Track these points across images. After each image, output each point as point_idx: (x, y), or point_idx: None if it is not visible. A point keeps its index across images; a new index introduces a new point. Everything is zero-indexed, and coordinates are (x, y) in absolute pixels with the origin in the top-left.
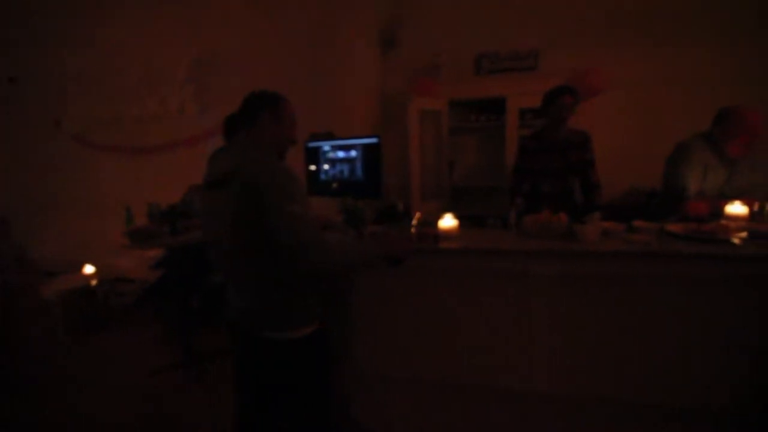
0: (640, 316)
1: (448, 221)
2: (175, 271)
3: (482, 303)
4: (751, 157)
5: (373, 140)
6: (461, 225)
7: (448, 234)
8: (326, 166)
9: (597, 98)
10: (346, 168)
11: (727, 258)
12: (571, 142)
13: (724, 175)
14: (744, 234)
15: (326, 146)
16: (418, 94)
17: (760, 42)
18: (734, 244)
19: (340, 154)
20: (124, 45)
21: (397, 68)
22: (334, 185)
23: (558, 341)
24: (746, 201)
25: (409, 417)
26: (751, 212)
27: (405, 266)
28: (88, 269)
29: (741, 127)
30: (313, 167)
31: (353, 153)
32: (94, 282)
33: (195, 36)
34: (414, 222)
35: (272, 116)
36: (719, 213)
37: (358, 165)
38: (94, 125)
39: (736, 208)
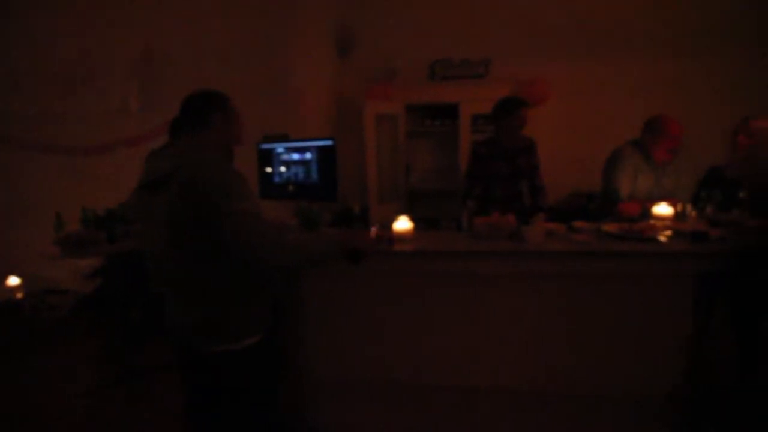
0: (582, 311)
1: (402, 223)
2: (113, 280)
3: (436, 304)
4: (675, 162)
5: (329, 142)
6: (416, 227)
7: (402, 236)
8: (281, 169)
9: (543, 106)
10: (300, 170)
11: (654, 255)
12: (519, 148)
13: (652, 179)
14: (669, 232)
15: (280, 148)
16: (373, 98)
17: (690, 58)
18: (660, 242)
19: (295, 156)
20: (57, 33)
21: (354, 72)
22: (289, 188)
23: (508, 338)
24: (671, 202)
25: (367, 421)
26: (676, 213)
27: (360, 269)
28: (13, 281)
29: (664, 135)
30: (266, 170)
31: (308, 155)
32: (19, 295)
33: (140, 27)
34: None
35: (224, 117)
36: (648, 213)
37: (314, 167)
38: (19, 122)
39: (663, 209)
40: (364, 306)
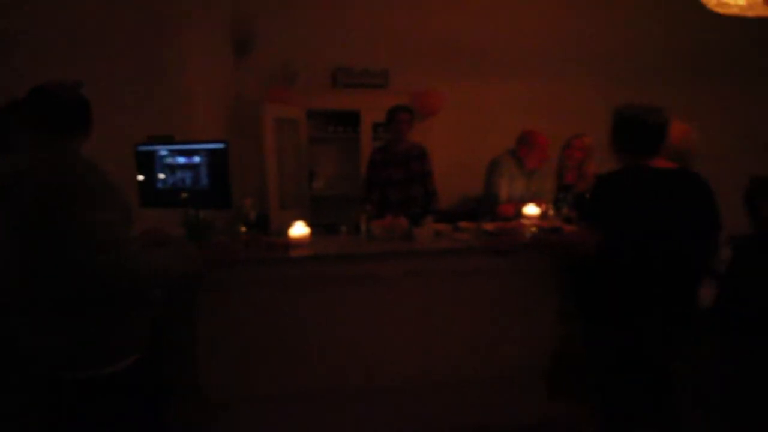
0: (467, 302)
1: (298, 229)
2: None
3: (335, 307)
4: (543, 169)
5: (220, 145)
6: (317, 233)
7: (299, 242)
8: (164, 174)
9: (436, 117)
10: (188, 175)
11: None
12: (412, 155)
13: (524, 184)
14: (534, 229)
15: (163, 151)
16: (273, 101)
17: (562, 80)
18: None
19: (181, 159)
20: None
21: (253, 74)
22: (183, 195)
23: (406, 334)
24: (538, 203)
25: None
26: (541, 212)
27: (255, 278)
28: None
29: (535, 146)
30: (146, 175)
31: (197, 159)
32: None
33: None
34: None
35: (89, 116)
36: (520, 213)
37: (203, 172)
38: None
39: (531, 209)
40: (260, 317)
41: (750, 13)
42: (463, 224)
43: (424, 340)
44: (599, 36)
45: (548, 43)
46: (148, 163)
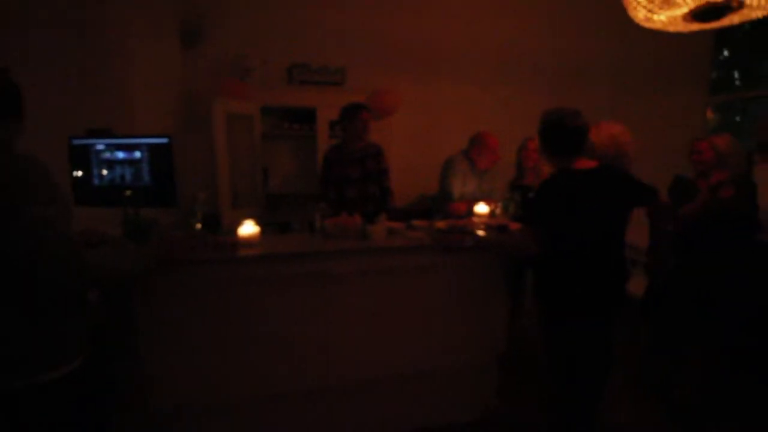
0: (420, 298)
1: (247, 228)
2: None
3: (288, 308)
4: (494, 169)
5: (163, 140)
6: (269, 232)
7: (248, 241)
8: (102, 170)
9: (394, 117)
10: (128, 172)
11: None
12: (367, 153)
13: (476, 183)
14: (482, 228)
15: (100, 145)
16: (225, 96)
17: (514, 83)
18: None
19: (120, 155)
20: None
21: (204, 67)
22: (118, 192)
23: (360, 332)
24: (488, 202)
25: None
26: (491, 211)
27: (202, 280)
28: None
29: (485, 147)
30: (81, 171)
31: (137, 154)
32: None
33: None
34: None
35: (19, 103)
36: (472, 212)
37: (145, 168)
38: None
39: (481, 208)
40: (208, 320)
41: (671, 29)
42: (416, 222)
43: (379, 337)
44: (548, 44)
45: (501, 49)
46: (84, 158)
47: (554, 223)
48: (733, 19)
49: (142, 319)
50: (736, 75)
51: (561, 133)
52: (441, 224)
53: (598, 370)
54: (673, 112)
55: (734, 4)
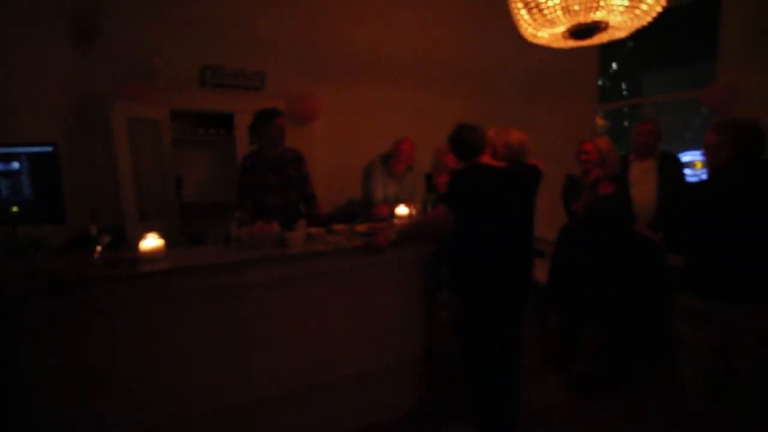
0: (340, 302)
1: (150, 242)
2: None
3: (202, 323)
4: (412, 172)
5: (47, 149)
6: (180, 244)
7: (151, 256)
8: None
9: (319, 121)
10: (5, 185)
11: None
12: (286, 159)
13: (397, 186)
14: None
15: None
16: (126, 99)
17: (434, 90)
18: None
19: None
20: None
21: (102, 66)
22: (12, 209)
23: (282, 342)
24: (409, 204)
25: None
26: (410, 212)
27: (100, 301)
28: None
29: (397, 153)
30: None
31: (16, 165)
32: None
33: None
34: (99, 247)
35: None
36: (393, 214)
37: (25, 180)
38: None
39: (401, 210)
40: (110, 345)
41: (554, 45)
42: (337, 227)
43: (302, 343)
44: (463, 54)
45: (422, 56)
46: None
47: (469, 205)
48: (602, 37)
49: (27, 348)
50: (624, 86)
51: (460, 142)
52: (361, 227)
53: (510, 353)
54: (567, 118)
55: (602, 25)
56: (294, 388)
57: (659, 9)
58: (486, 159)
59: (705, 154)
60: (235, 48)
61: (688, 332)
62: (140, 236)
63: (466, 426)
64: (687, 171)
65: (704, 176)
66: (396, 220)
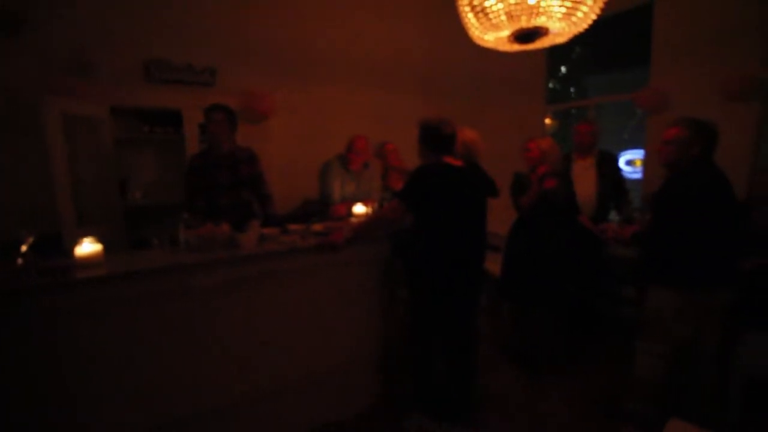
0: (299, 302)
1: (86, 247)
2: None
3: (143, 331)
4: (369, 170)
5: None
6: (125, 248)
7: (87, 262)
8: None
9: (277, 120)
10: None
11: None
12: (238, 158)
13: (355, 185)
14: None
15: None
16: (60, 95)
17: (392, 90)
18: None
19: None
20: None
21: (32, 59)
22: None
23: (233, 346)
24: (367, 202)
25: None
26: (367, 211)
27: (32, 312)
28: None
29: (353, 150)
30: None
31: None
32: None
33: None
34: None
35: None
36: (351, 213)
37: None
38: None
39: (359, 208)
40: (45, 357)
41: (500, 48)
42: (292, 226)
43: (256, 346)
44: (424, 55)
45: (380, 56)
46: None
47: (427, 201)
48: (544, 42)
49: None
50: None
51: (438, 136)
52: (318, 227)
53: (462, 344)
54: (518, 118)
55: (543, 30)
56: (247, 392)
57: (594, 17)
58: (449, 158)
59: (666, 148)
60: (183, 42)
61: (652, 314)
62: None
63: (421, 416)
64: (627, 168)
65: (640, 174)
66: (353, 219)
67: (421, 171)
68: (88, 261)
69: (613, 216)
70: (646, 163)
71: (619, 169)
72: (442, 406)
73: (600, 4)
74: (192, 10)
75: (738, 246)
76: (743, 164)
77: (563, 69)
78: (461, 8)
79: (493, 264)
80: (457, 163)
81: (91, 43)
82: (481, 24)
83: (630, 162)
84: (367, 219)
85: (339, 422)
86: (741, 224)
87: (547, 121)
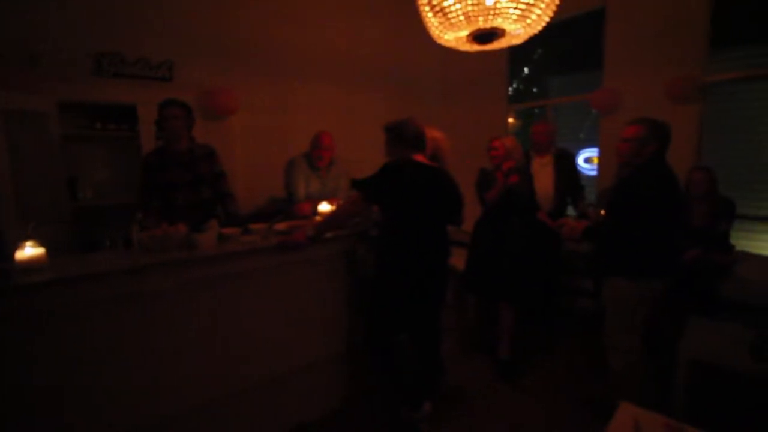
0: (261, 302)
1: (27, 251)
2: None
3: (92, 338)
4: (335, 168)
5: None
6: (75, 251)
7: (28, 266)
8: None
9: (240, 117)
10: None
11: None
12: (197, 155)
13: (320, 183)
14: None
15: None
16: (2, 88)
17: (357, 88)
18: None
19: None
20: None
21: None
22: None
23: (194, 349)
24: (332, 201)
25: None
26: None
27: None
28: None
29: (318, 146)
30: None
31: None
32: None
33: None
34: None
35: None
36: (317, 211)
37: None
38: None
39: (324, 207)
40: None
41: (460, 48)
42: (253, 226)
43: (218, 350)
44: (389, 54)
45: (346, 55)
46: None
47: (393, 196)
48: (501, 43)
49: None
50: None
51: (404, 132)
52: (281, 225)
53: (430, 338)
54: (482, 118)
55: (499, 31)
56: (211, 397)
57: (547, 19)
58: (420, 157)
59: (624, 145)
60: (137, 34)
61: (609, 304)
62: (20, 246)
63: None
64: (586, 166)
65: (595, 171)
66: (318, 218)
67: (388, 166)
68: (30, 265)
69: (570, 211)
70: (600, 161)
71: (575, 166)
72: (411, 397)
73: (553, 7)
74: (147, 1)
75: (680, 238)
76: (687, 162)
77: (526, 70)
78: (421, 7)
79: (458, 259)
80: (430, 163)
81: (36, 33)
82: (441, 23)
83: (588, 159)
84: (328, 215)
85: (309, 423)
86: (684, 218)
87: (510, 120)
